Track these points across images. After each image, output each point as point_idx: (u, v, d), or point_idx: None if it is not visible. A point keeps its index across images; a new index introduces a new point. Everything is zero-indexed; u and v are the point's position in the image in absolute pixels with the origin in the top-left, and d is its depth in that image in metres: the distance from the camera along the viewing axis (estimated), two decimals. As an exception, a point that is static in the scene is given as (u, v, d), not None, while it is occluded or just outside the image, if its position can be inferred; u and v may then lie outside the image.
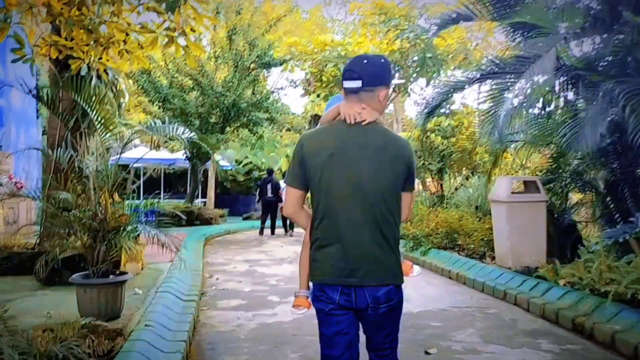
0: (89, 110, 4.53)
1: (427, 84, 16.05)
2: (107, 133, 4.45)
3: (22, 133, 12.61)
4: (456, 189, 13.87)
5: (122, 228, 4.33)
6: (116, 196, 4.44)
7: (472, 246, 8.04)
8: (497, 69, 6.86)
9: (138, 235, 5.78)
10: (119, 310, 4.31)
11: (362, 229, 2.05)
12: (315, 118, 22.72)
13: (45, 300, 4.93)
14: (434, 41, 13.96)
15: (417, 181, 17.24)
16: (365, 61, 2.16)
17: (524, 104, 6.46)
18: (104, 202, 4.20)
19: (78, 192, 4.28)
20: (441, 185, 14.10)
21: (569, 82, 6.90)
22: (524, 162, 12.44)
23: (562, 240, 7.22)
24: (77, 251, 4.23)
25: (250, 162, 24.86)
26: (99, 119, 4.50)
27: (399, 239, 2.18)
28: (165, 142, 21.19)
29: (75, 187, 4.29)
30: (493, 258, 7.41)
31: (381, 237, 2.06)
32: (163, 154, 21.84)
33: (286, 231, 14.02)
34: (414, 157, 2.18)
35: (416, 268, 2.40)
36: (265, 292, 6.38)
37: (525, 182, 7.08)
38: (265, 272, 7.84)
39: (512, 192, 6.70)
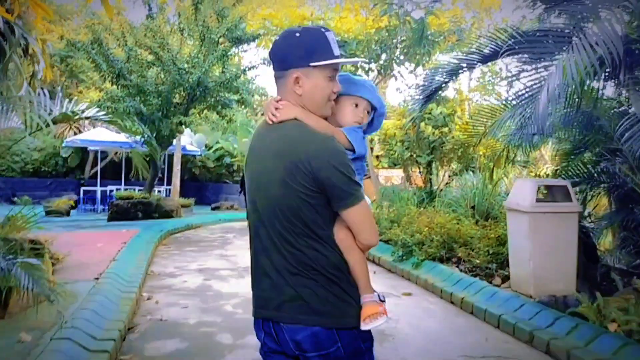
0: None
1: (416, 67, 14.53)
2: None
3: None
4: (447, 184, 12.49)
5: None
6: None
7: (476, 260, 6.60)
8: (517, 45, 5.35)
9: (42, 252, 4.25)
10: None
11: (271, 251, 1.70)
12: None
13: None
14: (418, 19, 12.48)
15: (401, 175, 15.84)
16: (279, 37, 1.78)
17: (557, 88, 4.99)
18: None
19: None
20: (430, 180, 12.68)
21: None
22: (513, 158, 11.13)
23: (589, 261, 5.86)
24: None
25: (222, 148, 23.20)
26: None
27: (328, 268, 1.66)
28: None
29: None
30: (504, 279, 6.00)
31: (288, 263, 1.67)
32: (124, 136, 20.00)
33: None
34: (326, 163, 1.62)
35: (380, 319, 1.69)
36: (216, 326, 4.83)
37: (548, 187, 5.63)
38: (221, 289, 6.28)
39: (537, 200, 5.25)
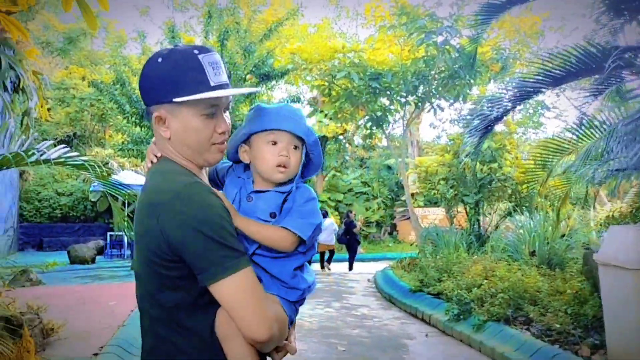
0: None
1: (456, 99, 13.57)
2: None
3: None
4: (497, 226, 11.29)
5: None
6: None
7: (556, 324, 5.40)
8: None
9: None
10: None
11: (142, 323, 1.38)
12: (323, 140, 20.28)
13: None
14: (466, 45, 11.59)
15: (440, 214, 14.70)
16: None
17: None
18: None
19: None
20: (477, 221, 11.49)
21: None
22: (595, 197, 9.86)
23: None
24: None
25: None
26: None
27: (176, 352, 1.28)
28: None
29: None
30: (593, 348, 4.80)
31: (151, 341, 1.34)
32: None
33: (322, 267, 12.96)
34: (181, 220, 1.20)
35: None
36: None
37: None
38: None
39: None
